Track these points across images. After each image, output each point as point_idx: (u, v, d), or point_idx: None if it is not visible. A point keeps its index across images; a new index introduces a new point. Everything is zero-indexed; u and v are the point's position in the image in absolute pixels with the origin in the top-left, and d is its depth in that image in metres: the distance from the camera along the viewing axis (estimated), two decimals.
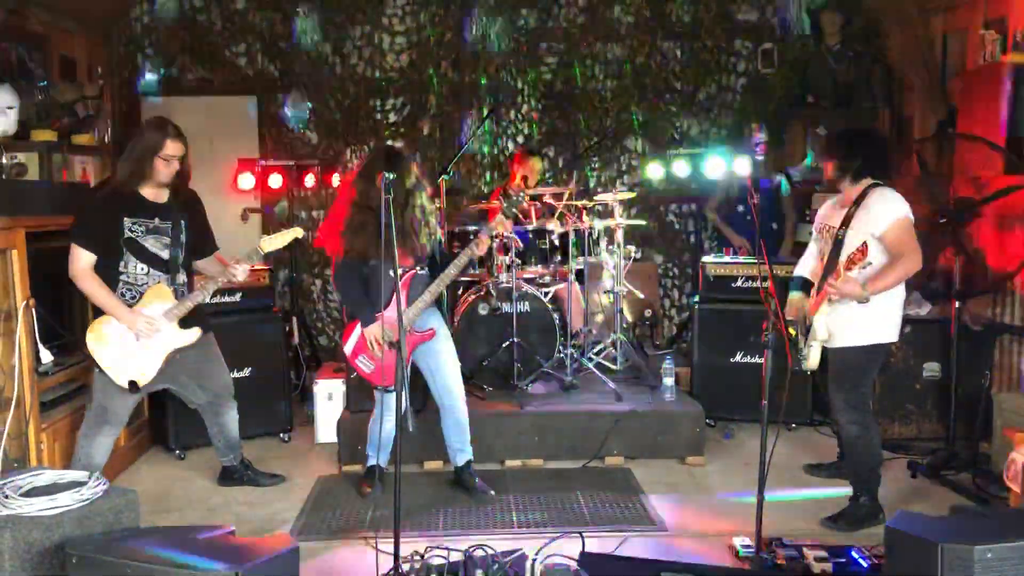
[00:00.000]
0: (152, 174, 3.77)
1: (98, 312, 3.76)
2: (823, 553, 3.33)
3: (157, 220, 3.84)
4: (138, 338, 3.76)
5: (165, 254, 3.87)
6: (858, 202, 3.72)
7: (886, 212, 3.64)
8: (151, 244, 3.82)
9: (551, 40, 6.77)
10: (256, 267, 4.65)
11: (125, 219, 3.75)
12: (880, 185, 3.75)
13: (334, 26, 6.61)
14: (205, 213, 4.10)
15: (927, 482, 4.33)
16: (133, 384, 3.80)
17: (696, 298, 5.33)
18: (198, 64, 6.59)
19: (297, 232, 4.05)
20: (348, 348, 4.04)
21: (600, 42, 6.77)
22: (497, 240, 4.91)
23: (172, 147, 3.75)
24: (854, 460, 3.86)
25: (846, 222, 3.72)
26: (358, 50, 6.71)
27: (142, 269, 3.80)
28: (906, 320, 4.80)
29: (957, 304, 4.46)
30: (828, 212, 3.98)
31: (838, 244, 3.73)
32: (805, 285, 3.98)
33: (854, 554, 3.34)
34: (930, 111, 5.66)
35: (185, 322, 3.89)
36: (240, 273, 3.91)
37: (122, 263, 3.76)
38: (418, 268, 4.04)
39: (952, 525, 2.88)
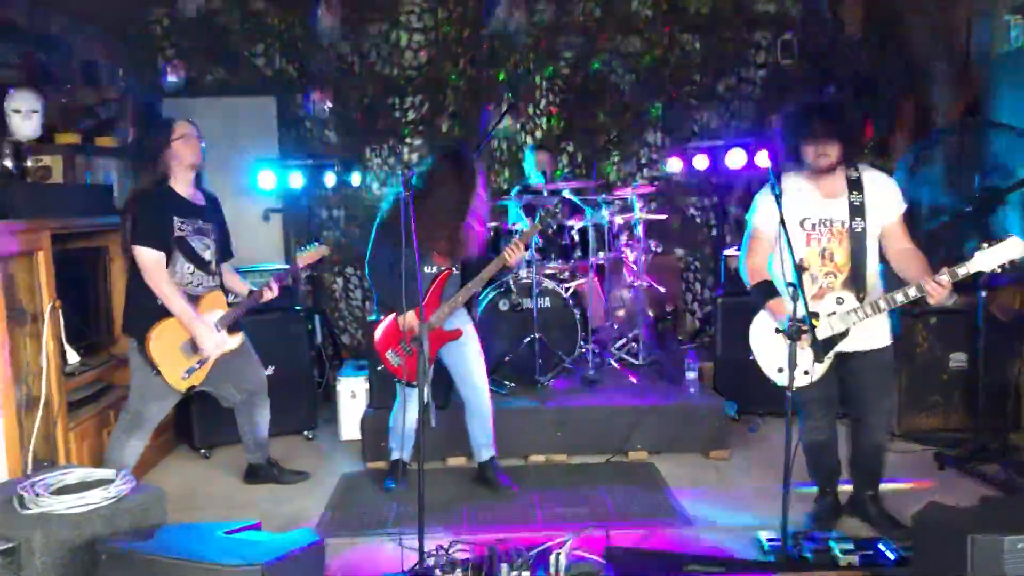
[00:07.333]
0: (179, 160, 3.80)
1: (143, 314, 3.75)
2: (850, 545, 3.29)
3: (200, 221, 3.89)
4: (199, 348, 3.82)
5: (207, 255, 3.91)
6: (856, 187, 3.38)
7: (899, 199, 3.42)
8: (196, 244, 3.86)
9: (568, 34, 6.74)
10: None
11: (175, 218, 3.79)
12: (863, 165, 3.46)
13: (352, 24, 6.62)
14: (224, 217, 4.16)
15: (955, 473, 4.28)
16: (190, 389, 3.85)
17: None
18: (216, 65, 6.63)
19: (324, 251, 4.24)
20: (378, 341, 4.06)
21: (618, 35, 6.74)
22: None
23: (181, 127, 3.82)
24: (878, 464, 3.67)
25: (857, 212, 3.37)
26: (376, 48, 6.72)
27: (188, 269, 3.83)
28: (932, 311, 4.78)
29: (984, 294, 4.40)
30: (807, 204, 3.43)
31: (858, 238, 3.38)
32: (774, 288, 3.47)
33: (881, 546, 3.30)
34: (954, 99, 5.59)
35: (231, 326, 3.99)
36: (277, 291, 4.05)
37: (171, 262, 3.78)
38: (454, 269, 4.07)
39: (982, 516, 2.85)
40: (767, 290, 3.48)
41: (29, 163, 4.09)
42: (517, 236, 4.13)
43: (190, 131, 3.83)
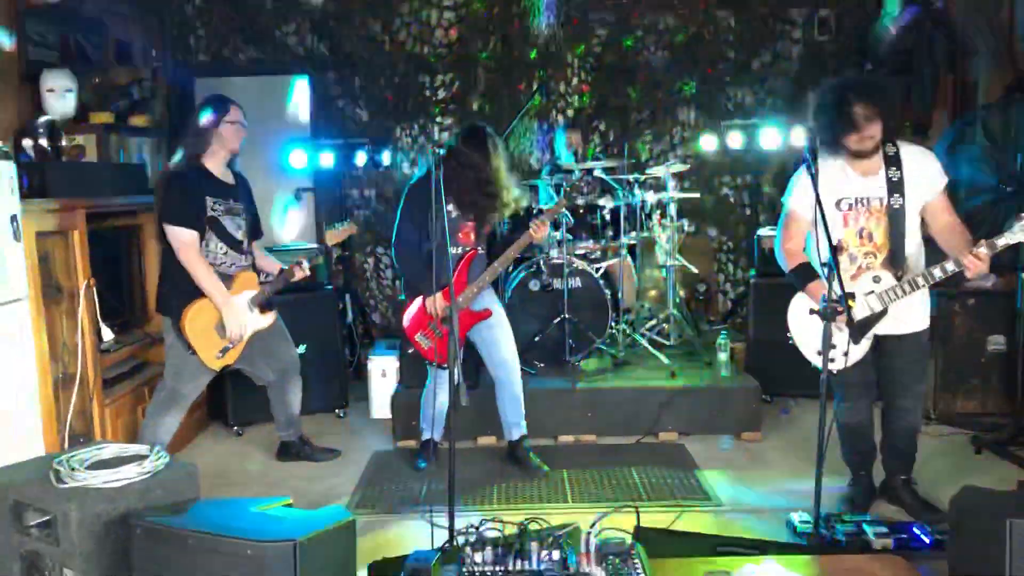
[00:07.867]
0: (224, 142, 3.82)
1: (179, 294, 3.77)
2: (883, 529, 3.25)
3: (232, 201, 3.90)
4: (230, 329, 3.84)
5: (239, 235, 3.93)
6: (893, 163, 3.29)
7: (940, 172, 3.32)
8: (229, 224, 3.88)
9: (600, 11, 6.66)
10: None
11: (207, 198, 3.80)
12: (901, 141, 3.34)
13: (383, 2, 6.59)
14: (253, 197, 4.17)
15: (992, 457, 4.21)
16: (224, 367, 3.89)
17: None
18: (248, 44, 6.63)
19: (353, 229, 4.22)
20: (407, 323, 4.06)
21: (651, 12, 6.65)
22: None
23: (235, 112, 3.85)
24: (912, 447, 3.62)
25: (895, 189, 3.28)
26: (406, 26, 6.68)
27: (221, 248, 3.86)
28: (971, 292, 4.69)
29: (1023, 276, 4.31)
30: (843, 184, 3.34)
31: (896, 216, 3.29)
32: (813, 271, 3.39)
33: (916, 530, 3.26)
34: (997, 76, 5.45)
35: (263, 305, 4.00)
36: (307, 269, 4.03)
37: (204, 242, 3.80)
38: (479, 249, 4.05)
39: (1020, 500, 2.79)
40: (806, 273, 3.42)
41: (63, 142, 4.13)
42: (544, 213, 4.11)
43: (241, 118, 3.87)
